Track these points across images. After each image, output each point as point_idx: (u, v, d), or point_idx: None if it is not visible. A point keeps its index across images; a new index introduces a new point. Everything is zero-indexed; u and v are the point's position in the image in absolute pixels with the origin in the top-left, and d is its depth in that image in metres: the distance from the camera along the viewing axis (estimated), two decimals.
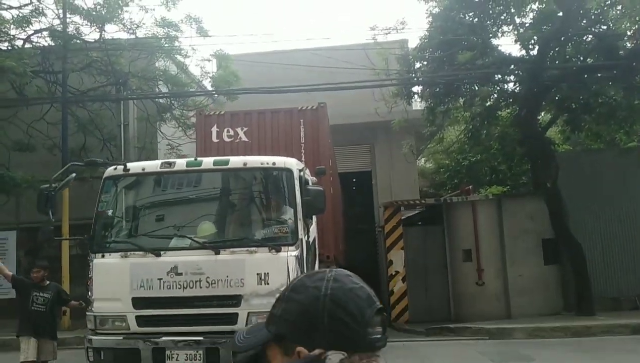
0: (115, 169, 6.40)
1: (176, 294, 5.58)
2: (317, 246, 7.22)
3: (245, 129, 8.83)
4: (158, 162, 6.68)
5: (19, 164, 12.10)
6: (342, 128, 16.65)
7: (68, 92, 12.02)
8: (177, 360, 5.57)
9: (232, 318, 5.68)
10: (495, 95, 13.35)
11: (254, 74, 14.30)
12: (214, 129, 8.86)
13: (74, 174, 6.98)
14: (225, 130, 8.81)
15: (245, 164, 6.26)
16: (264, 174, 6.32)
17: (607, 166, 12.46)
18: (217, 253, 5.80)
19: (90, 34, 12.21)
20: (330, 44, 15.35)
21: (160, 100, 13.06)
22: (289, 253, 5.73)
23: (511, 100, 13.28)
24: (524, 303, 11.85)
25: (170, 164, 6.35)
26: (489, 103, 13.18)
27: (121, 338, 5.71)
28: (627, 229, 12.20)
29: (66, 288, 10.86)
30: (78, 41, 12.11)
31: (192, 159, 6.75)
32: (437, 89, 12.74)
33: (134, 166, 6.49)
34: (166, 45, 12.37)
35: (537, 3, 12.02)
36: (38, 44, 12.25)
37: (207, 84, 14.56)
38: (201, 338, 5.58)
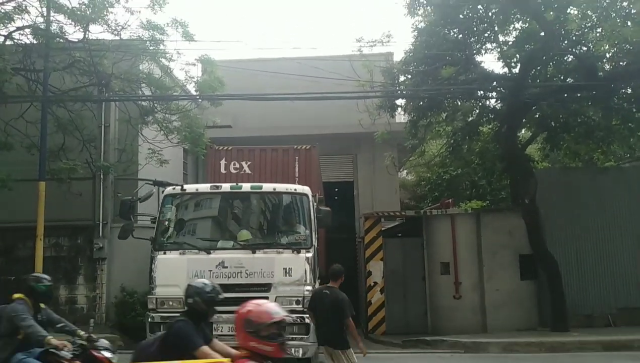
0: (174, 188, 8.34)
1: (222, 282, 6.70)
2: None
3: (249, 162, 10.46)
4: (208, 185, 8.65)
5: None
6: (326, 138, 16.68)
7: (49, 91, 11.81)
8: (221, 330, 6.97)
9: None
10: (477, 111, 13.53)
11: (239, 80, 14.27)
12: (222, 162, 10.50)
13: (154, 189, 8.58)
14: (232, 163, 10.46)
15: (274, 189, 8.33)
16: (288, 197, 8.28)
17: (584, 185, 12.68)
18: (254, 252, 7.68)
19: (74, 33, 12.02)
20: (316, 54, 15.41)
21: (143, 103, 12.91)
22: (306, 254, 7.75)
23: (492, 116, 13.48)
24: (500, 318, 11.95)
25: (217, 187, 8.39)
26: (470, 118, 13.36)
27: (177, 315, 6.93)
28: (602, 247, 12.40)
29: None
30: (61, 40, 11.91)
31: (235, 183, 8.63)
32: (420, 103, 12.86)
33: (189, 187, 8.52)
34: (151, 48, 12.24)
35: (520, 22, 12.26)
36: (20, 41, 12.03)
37: (191, 89, 14.46)
38: None
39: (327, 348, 6.43)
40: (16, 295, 5.25)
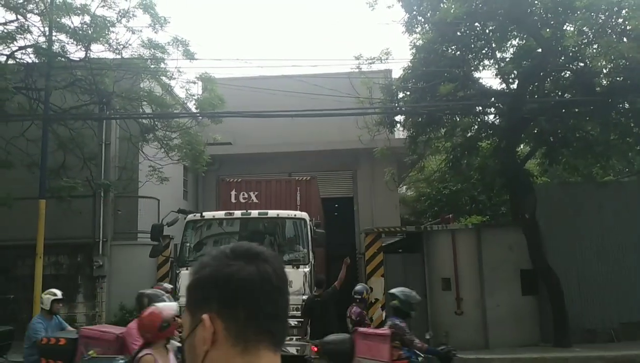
0: (195, 216, 9.86)
1: None
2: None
3: (256, 193, 11.57)
4: (223, 212, 10.09)
5: None
6: (326, 154, 16.77)
7: (50, 110, 11.89)
8: None
9: None
10: (476, 127, 13.59)
11: (239, 98, 14.37)
12: (233, 193, 11.59)
13: (179, 216, 9.85)
14: (241, 193, 11.57)
15: (278, 215, 9.78)
16: (289, 221, 9.76)
17: (583, 199, 12.69)
18: None
19: (76, 52, 12.16)
20: (316, 72, 15.57)
21: (144, 121, 12.99)
22: (304, 269, 9.11)
23: (491, 131, 13.53)
24: (502, 334, 11.86)
25: (231, 214, 9.85)
26: (469, 134, 13.41)
27: None
28: (603, 262, 12.35)
29: (37, 305, 10.55)
30: (63, 59, 12.03)
31: (245, 211, 9.94)
32: (419, 119, 12.92)
33: (207, 214, 9.97)
34: (152, 66, 12.37)
35: (517, 39, 12.39)
36: (22, 61, 12.14)
37: (192, 106, 14.56)
38: None
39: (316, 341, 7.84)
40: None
